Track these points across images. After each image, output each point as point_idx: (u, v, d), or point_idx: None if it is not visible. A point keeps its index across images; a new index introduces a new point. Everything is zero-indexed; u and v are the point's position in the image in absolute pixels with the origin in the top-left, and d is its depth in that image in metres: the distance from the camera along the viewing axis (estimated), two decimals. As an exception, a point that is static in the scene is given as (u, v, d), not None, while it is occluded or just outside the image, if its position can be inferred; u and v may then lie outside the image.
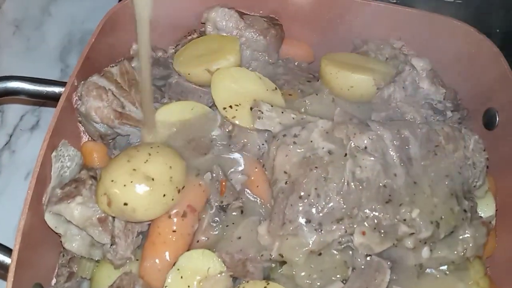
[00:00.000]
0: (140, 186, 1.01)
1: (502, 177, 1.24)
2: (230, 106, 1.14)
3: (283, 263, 1.06)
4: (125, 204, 1.01)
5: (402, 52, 1.35)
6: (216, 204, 1.11)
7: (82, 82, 1.18)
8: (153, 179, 1.02)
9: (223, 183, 1.11)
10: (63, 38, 1.81)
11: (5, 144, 1.62)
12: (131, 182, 1.01)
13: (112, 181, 1.01)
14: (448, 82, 1.33)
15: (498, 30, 1.82)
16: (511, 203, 1.21)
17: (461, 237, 1.04)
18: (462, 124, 1.29)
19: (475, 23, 1.31)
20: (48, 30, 1.82)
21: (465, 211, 1.05)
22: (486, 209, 1.17)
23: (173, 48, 1.35)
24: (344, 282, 1.02)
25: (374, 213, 1.02)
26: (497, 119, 1.26)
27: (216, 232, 1.09)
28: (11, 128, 1.66)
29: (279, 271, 1.07)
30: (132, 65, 1.29)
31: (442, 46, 1.35)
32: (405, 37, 1.38)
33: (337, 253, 1.04)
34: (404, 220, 1.01)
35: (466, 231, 1.04)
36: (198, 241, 1.08)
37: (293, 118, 1.15)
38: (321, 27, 1.40)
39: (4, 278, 0.99)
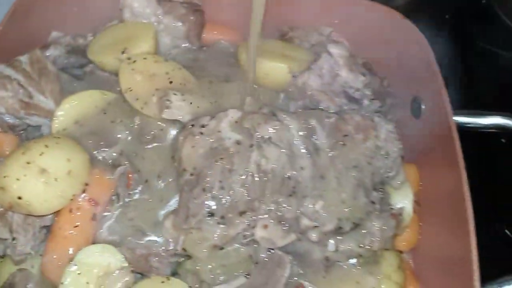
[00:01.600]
0: (34, 180, 0.97)
1: (426, 166, 1.21)
2: (137, 95, 1.10)
3: (189, 258, 1.03)
4: (19, 198, 0.97)
5: (330, 39, 1.31)
6: (123, 196, 1.07)
7: (-13, 72, 1.14)
8: (49, 172, 0.98)
9: (130, 176, 1.07)
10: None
11: None
12: (25, 175, 0.97)
13: (6, 176, 0.97)
14: (381, 69, 1.30)
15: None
16: (435, 192, 1.18)
17: (368, 230, 1.01)
18: (388, 113, 1.26)
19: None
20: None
21: (373, 203, 1.02)
22: (404, 200, 1.14)
23: (92, 36, 1.30)
24: (248, 276, 0.99)
25: (277, 206, 0.98)
26: (422, 107, 1.23)
27: (120, 226, 1.05)
28: None
29: (186, 266, 1.03)
30: (47, 54, 1.25)
31: (372, 33, 1.32)
32: (334, 24, 1.35)
33: (241, 247, 1.01)
34: (307, 212, 0.98)
35: (374, 224, 1.01)
36: (101, 236, 1.04)
37: (205, 107, 1.11)
38: (249, 12, 1.35)
39: None
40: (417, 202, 1.19)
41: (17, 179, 0.97)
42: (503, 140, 1.53)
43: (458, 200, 1.05)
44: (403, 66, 1.30)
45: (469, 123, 1.20)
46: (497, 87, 1.61)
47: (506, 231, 1.47)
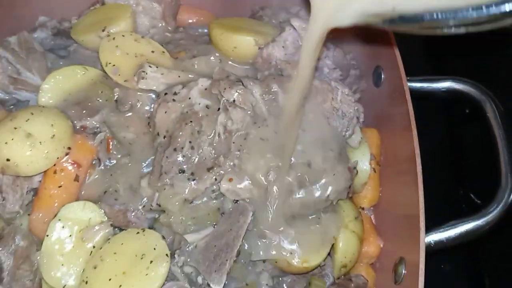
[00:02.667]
0: (20, 143, 1.07)
1: (385, 131, 1.31)
2: (116, 69, 1.20)
3: (163, 212, 1.12)
4: (8, 160, 1.07)
5: (299, 16, 1.41)
6: (103, 160, 1.17)
7: (-23, 51, 1.24)
8: (34, 136, 1.08)
9: (109, 141, 1.17)
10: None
11: None
12: (12, 139, 1.07)
13: (-5, 141, 1.07)
14: (348, 46, 1.40)
15: None
16: (392, 154, 1.27)
17: (325, 180, 1.10)
18: (353, 84, 1.35)
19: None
20: None
21: (330, 157, 1.11)
22: (362, 158, 1.23)
23: (76, 19, 1.40)
24: (215, 226, 1.09)
25: (241, 160, 1.08)
26: (382, 77, 1.32)
27: (101, 186, 1.15)
28: None
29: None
30: (34, 36, 1.36)
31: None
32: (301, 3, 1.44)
33: (209, 200, 1.10)
34: (270, 166, 1.08)
35: (331, 176, 1.10)
36: (84, 195, 1.14)
37: (178, 77, 1.21)
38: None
39: None
40: (377, 163, 1.28)
41: (6, 143, 1.07)
42: (467, 111, 1.62)
43: (412, 161, 1.13)
44: (365, 40, 1.40)
45: (422, 88, 1.29)
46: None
47: (471, 195, 1.56)
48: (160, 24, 1.37)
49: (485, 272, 1.46)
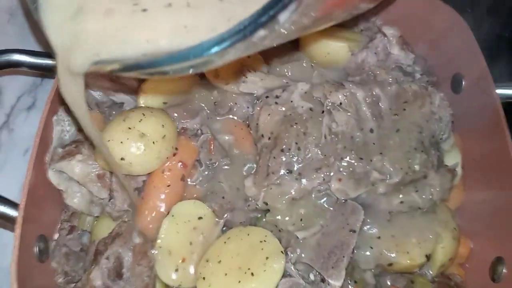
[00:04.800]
0: (135, 143, 1.10)
1: (468, 136, 1.35)
2: (217, 73, 1.24)
3: (267, 212, 1.16)
4: (122, 159, 1.10)
5: (375, 25, 1.46)
6: (205, 162, 1.20)
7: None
8: (147, 136, 1.11)
9: (211, 143, 1.21)
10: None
11: (4, 123, 1.70)
12: (127, 139, 1.10)
13: (110, 140, 1.10)
14: (419, 51, 1.44)
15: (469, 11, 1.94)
16: (476, 157, 1.32)
17: (428, 182, 1.14)
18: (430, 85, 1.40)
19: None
20: (42, 17, 1.89)
21: (431, 159, 1.15)
22: (453, 161, 1.27)
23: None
24: (323, 224, 1.12)
25: (349, 161, 1.12)
26: (463, 83, 1.36)
27: (205, 186, 1.19)
28: (9, 109, 1.74)
29: (264, 219, 1.16)
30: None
31: (411, 18, 1.45)
32: (377, 11, 1.49)
33: (316, 199, 1.14)
34: (376, 167, 1.12)
35: (433, 177, 1.15)
36: (189, 194, 1.18)
37: (275, 82, 1.25)
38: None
39: (12, 230, 1.08)
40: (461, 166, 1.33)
41: (121, 142, 1.10)
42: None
43: (503, 164, 1.17)
44: (442, 47, 1.45)
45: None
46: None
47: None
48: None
49: None
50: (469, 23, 1.38)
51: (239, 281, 1.03)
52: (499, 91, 1.27)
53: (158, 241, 1.09)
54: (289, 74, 1.30)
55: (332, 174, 1.12)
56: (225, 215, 1.15)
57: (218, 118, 1.25)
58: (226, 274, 1.05)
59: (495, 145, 1.22)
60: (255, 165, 1.19)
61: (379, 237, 1.12)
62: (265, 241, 1.10)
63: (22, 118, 1.72)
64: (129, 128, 1.12)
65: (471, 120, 1.34)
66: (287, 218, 1.13)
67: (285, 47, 1.38)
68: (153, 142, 1.12)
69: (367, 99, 1.17)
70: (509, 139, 1.18)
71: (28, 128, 1.69)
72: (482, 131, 1.30)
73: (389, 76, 1.24)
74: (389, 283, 1.15)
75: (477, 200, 1.30)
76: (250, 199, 1.16)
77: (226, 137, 1.23)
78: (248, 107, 1.25)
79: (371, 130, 1.15)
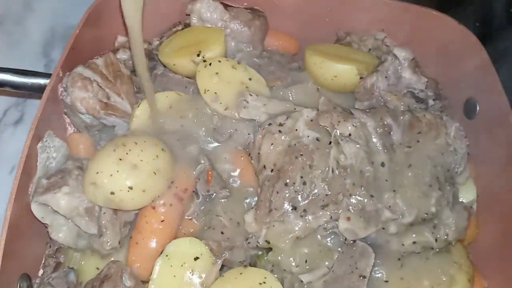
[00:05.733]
0: (126, 175, 1.01)
1: (482, 165, 1.27)
2: (216, 96, 1.15)
3: (269, 250, 1.07)
4: (112, 193, 1.01)
5: (384, 44, 1.37)
6: (202, 193, 1.12)
7: (67, 73, 1.18)
8: (140, 169, 1.02)
9: (210, 173, 1.12)
10: (46, 33, 1.78)
11: (-11, 139, 1.61)
12: (117, 171, 1.01)
13: (98, 172, 1.01)
14: (430, 72, 1.36)
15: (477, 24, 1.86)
16: (491, 189, 1.24)
17: (442, 221, 1.06)
18: (444, 113, 1.31)
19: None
20: (31, 25, 1.80)
21: (447, 196, 1.07)
22: (468, 195, 1.19)
23: (158, 40, 1.35)
24: (329, 267, 1.03)
25: (358, 199, 1.03)
26: (477, 108, 1.28)
27: (202, 220, 1.10)
28: (-5, 123, 1.65)
29: (265, 258, 1.08)
30: (117, 57, 1.30)
31: (423, 38, 1.38)
32: (387, 29, 1.41)
33: (322, 238, 1.05)
34: (387, 205, 1.03)
35: (448, 216, 1.06)
36: (184, 230, 1.09)
37: (279, 107, 1.16)
38: (305, 19, 1.42)
39: (-9, 266, 0.99)
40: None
41: (110, 175, 1.01)
42: None
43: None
44: (455, 69, 1.36)
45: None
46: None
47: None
48: (247, 49, 1.33)
49: None
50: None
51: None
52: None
53: (152, 286, 1.00)
54: (293, 98, 1.21)
55: (340, 212, 1.03)
56: (224, 254, 1.05)
57: (217, 146, 1.15)
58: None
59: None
60: (256, 199, 1.10)
61: (387, 281, 1.03)
62: (264, 283, 1.01)
63: (9, 133, 1.63)
64: (120, 159, 1.03)
65: (485, 148, 1.26)
66: (290, 259, 1.04)
67: (284, 67, 1.30)
68: (146, 175, 1.03)
69: (378, 129, 1.08)
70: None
71: (15, 143, 1.60)
72: (497, 162, 1.22)
73: (400, 103, 1.15)
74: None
75: (492, 236, 1.22)
76: (250, 235, 1.07)
77: (226, 167, 1.14)
78: (249, 134, 1.16)
79: (382, 164, 1.06)
